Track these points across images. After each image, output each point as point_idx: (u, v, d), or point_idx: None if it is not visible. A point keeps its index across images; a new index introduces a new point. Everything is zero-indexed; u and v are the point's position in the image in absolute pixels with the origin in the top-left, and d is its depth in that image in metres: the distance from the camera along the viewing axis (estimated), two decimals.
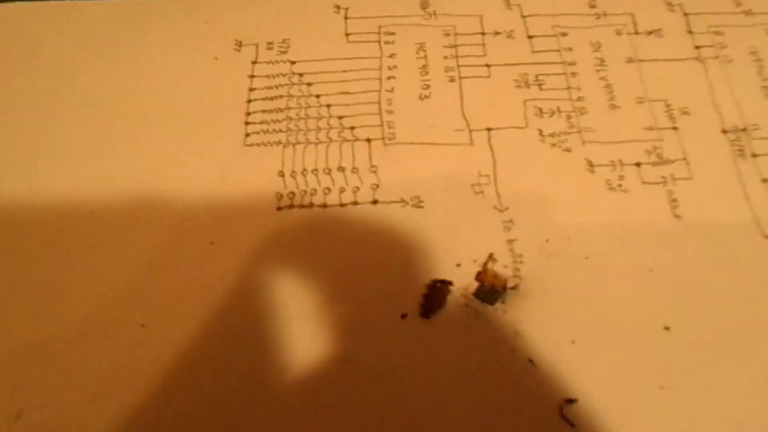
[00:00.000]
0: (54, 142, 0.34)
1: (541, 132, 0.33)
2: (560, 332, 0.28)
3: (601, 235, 0.30)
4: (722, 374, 0.27)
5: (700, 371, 0.27)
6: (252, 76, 0.36)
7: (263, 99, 0.35)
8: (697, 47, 0.36)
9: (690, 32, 0.36)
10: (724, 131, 0.33)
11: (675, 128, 0.33)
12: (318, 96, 0.35)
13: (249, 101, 0.35)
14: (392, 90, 0.35)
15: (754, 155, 0.32)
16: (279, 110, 0.35)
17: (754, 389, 0.26)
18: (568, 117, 0.34)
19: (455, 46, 0.36)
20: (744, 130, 0.33)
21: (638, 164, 0.32)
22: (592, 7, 0.38)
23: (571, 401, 0.26)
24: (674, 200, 0.31)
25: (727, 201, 0.31)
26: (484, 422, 0.26)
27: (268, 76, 0.36)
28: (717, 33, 0.36)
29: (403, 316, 0.29)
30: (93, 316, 0.29)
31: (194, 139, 0.34)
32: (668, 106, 0.34)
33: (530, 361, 0.27)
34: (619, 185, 0.31)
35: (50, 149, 0.34)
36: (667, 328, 0.28)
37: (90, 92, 0.36)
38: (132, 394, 0.27)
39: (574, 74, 0.35)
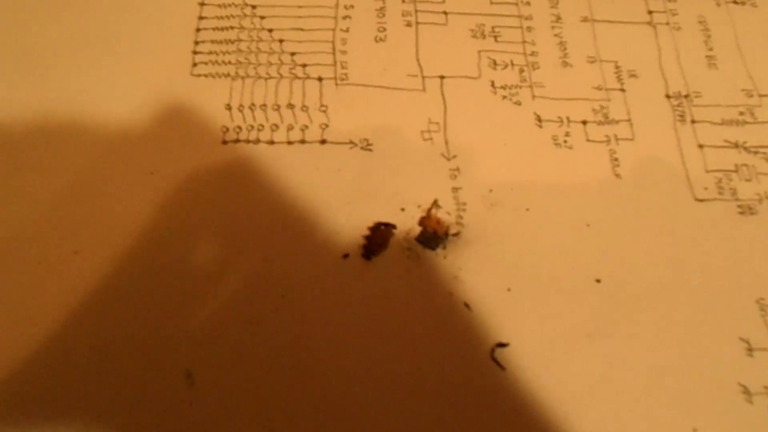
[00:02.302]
0: None
1: (493, 83, 0.33)
2: (497, 279, 0.29)
3: (543, 189, 0.31)
4: (645, 326, 0.28)
5: (625, 322, 0.28)
6: (202, 4, 0.35)
7: (213, 29, 0.34)
8: (650, 12, 0.36)
9: None
10: (668, 96, 0.34)
11: (622, 90, 0.34)
12: (271, 30, 0.34)
13: (198, 30, 0.34)
14: (347, 30, 0.34)
15: (693, 121, 0.33)
16: (229, 42, 0.34)
17: (672, 341, 0.28)
18: (521, 71, 0.34)
19: None
20: (686, 96, 0.34)
21: (585, 122, 0.33)
22: None
23: (502, 345, 0.27)
24: (616, 159, 0.32)
25: (664, 163, 0.32)
26: (418, 362, 0.27)
27: (219, 6, 0.35)
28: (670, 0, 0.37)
29: (345, 256, 0.29)
30: (24, 241, 0.28)
31: (139, 64, 0.32)
32: (618, 67, 0.34)
33: (466, 305, 0.28)
34: (565, 141, 0.32)
35: None
36: (598, 281, 0.29)
37: (29, 9, 0.34)
38: (61, 321, 0.27)
39: (529, 29, 0.35)
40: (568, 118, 0.33)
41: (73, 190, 0.29)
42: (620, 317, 0.28)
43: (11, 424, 0.25)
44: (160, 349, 0.27)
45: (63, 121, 0.31)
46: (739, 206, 0.31)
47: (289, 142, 0.31)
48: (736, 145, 0.32)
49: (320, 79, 0.33)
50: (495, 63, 0.34)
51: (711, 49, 0.35)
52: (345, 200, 0.30)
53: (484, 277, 0.29)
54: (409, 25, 0.35)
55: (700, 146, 0.32)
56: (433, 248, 0.29)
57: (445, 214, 0.30)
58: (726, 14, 0.36)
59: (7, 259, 0.28)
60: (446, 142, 0.31)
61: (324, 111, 0.32)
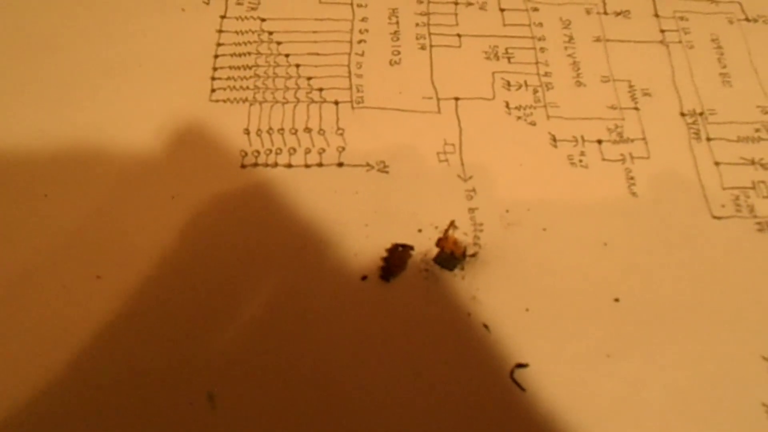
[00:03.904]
0: (10, 86, 0.33)
1: (507, 104, 0.34)
2: (515, 300, 0.29)
3: (559, 208, 0.31)
4: (665, 345, 0.28)
5: (644, 341, 0.28)
6: (220, 31, 0.35)
7: (231, 55, 0.35)
8: (662, 31, 0.36)
9: (656, 15, 0.37)
10: (683, 114, 0.34)
11: (636, 108, 0.34)
12: (287, 55, 0.35)
13: (216, 56, 0.34)
14: (362, 54, 0.35)
15: (709, 139, 0.33)
16: (247, 67, 0.34)
17: (693, 360, 0.28)
18: (535, 91, 0.34)
19: (427, 14, 0.36)
20: (701, 114, 0.34)
21: (599, 141, 0.33)
22: None
23: (522, 365, 0.27)
24: (631, 178, 0.32)
25: (681, 181, 0.32)
26: (438, 384, 0.27)
27: (236, 32, 0.35)
28: (682, 18, 0.37)
29: (363, 278, 0.29)
30: (48, 266, 0.29)
31: (158, 91, 0.33)
32: (631, 86, 0.34)
33: (485, 326, 0.28)
34: (580, 161, 0.32)
35: (6, 94, 0.33)
36: (616, 300, 0.29)
37: (50, 37, 0.34)
38: (85, 345, 0.27)
39: (542, 49, 0.35)
40: (582, 138, 0.33)
41: (95, 216, 0.30)
42: (640, 336, 0.28)
43: None
44: (182, 373, 0.27)
45: (84, 148, 0.31)
46: (758, 223, 0.31)
47: (307, 166, 0.31)
48: (753, 162, 0.32)
49: (336, 102, 0.33)
50: (509, 84, 0.34)
51: (725, 67, 0.35)
52: (362, 222, 0.30)
53: (502, 297, 0.29)
54: (423, 48, 0.35)
55: (717, 163, 0.32)
56: (450, 269, 0.29)
57: (462, 235, 0.30)
58: (738, 32, 0.37)
59: (31, 284, 0.28)
60: (462, 163, 0.32)
61: (341, 134, 0.32)
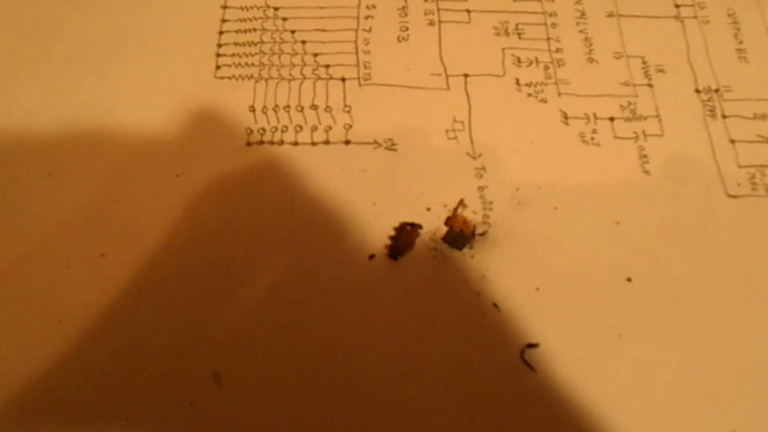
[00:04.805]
0: (14, 65, 0.33)
1: (518, 81, 0.33)
2: (526, 279, 0.28)
3: (571, 187, 0.30)
4: (678, 325, 0.27)
5: (657, 322, 0.27)
6: (225, 7, 0.35)
7: (236, 31, 0.34)
8: (677, 6, 0.36)
9: None
10: (698, 91, 0.33)
11: (650, 85, 0.33)
12: (293, 32, 0.34)
13: (221, 33, 0.34)
14: (370, 30, 0.34)
15: (724, 116, 0.32)
16: (252, 44, 0.34)
17: (706, 340, 0.27)
18: (546, 68, 0.33)
19: None
20: (717, 91, 0.33)
21: (612, 119, 0.32)
22: None
23: (532, 346, 0.27)
24: (644, 156, 0.31)
25: (695, 159, 0.31)
26: (447, 364, 0.27)
27: (242, 8, 0.35)
28: None
29: (371, 256, 0.28)
30: (52, 244, 0.29)
31: (162, 68, 0.33)
32: (645, 62, 0.34)
33: (495, 305, 0.28)
34: (592, 138, 0.31)
35: (10, 73, 0.32)
36: (629, 279, 0.28)
37: (54, 15, 0.34)
38: (90, 323, 0.27)
39: (554, 25, 0.35)
40: (594, 115, 0.32)
41: (100, 194, 0.30)
42: (652, 316, 0.28)
43: (41, 423, 0.26)
44: (188, 351, 0.27)
45: (90, 126, 0.31)
46: None
47: (314, 143, 0.31)
48: None
49: (343, 79, 0.33)
50: (519, 60, 0.33)
51: (741, 43, 0.34)
52: (370, 201, 0.30)
53: (512, 276, 0.28)
54: (431, 23, 0.35)
55: (732, 141, 0.32)
56: (459, 248, 0.29)
57: (472, 214, 0.29)
58: (756, 6, 0.36)
59: (36, 262, 0.28)
60: (471, 141, 0.31)
61: (348, 111, 0.32)
